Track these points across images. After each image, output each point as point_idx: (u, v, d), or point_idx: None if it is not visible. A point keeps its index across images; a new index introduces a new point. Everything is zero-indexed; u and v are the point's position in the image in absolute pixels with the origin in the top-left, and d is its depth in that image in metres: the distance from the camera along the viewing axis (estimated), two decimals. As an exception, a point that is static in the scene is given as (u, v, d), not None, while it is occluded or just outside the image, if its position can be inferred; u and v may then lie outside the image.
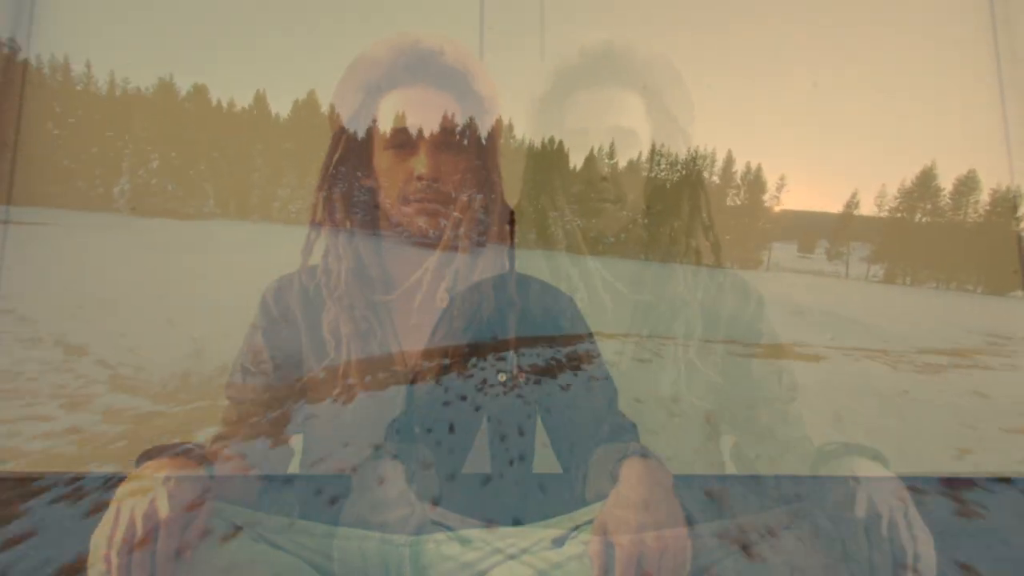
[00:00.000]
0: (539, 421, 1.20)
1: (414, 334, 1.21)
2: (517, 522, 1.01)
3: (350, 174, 1.27)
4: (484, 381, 1.13)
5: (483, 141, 1.26)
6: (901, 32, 1.59)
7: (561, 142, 1.33)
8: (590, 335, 1.20)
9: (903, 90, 1.62)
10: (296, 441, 1.27)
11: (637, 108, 1.31)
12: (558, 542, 0.97)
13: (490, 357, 1.14)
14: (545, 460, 1.16)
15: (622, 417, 1.17)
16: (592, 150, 1.30)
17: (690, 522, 0.94)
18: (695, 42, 1.54)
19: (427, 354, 1.17)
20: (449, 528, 1.00)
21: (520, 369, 1.14)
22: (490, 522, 1.02)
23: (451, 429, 1.13)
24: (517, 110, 1.39)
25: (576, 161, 1.31)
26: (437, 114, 1.23)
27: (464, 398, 1.13)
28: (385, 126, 1.24)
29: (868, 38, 1.59)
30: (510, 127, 1.35)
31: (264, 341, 1.24)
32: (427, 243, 1.23)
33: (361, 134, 1.27)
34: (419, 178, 1.20)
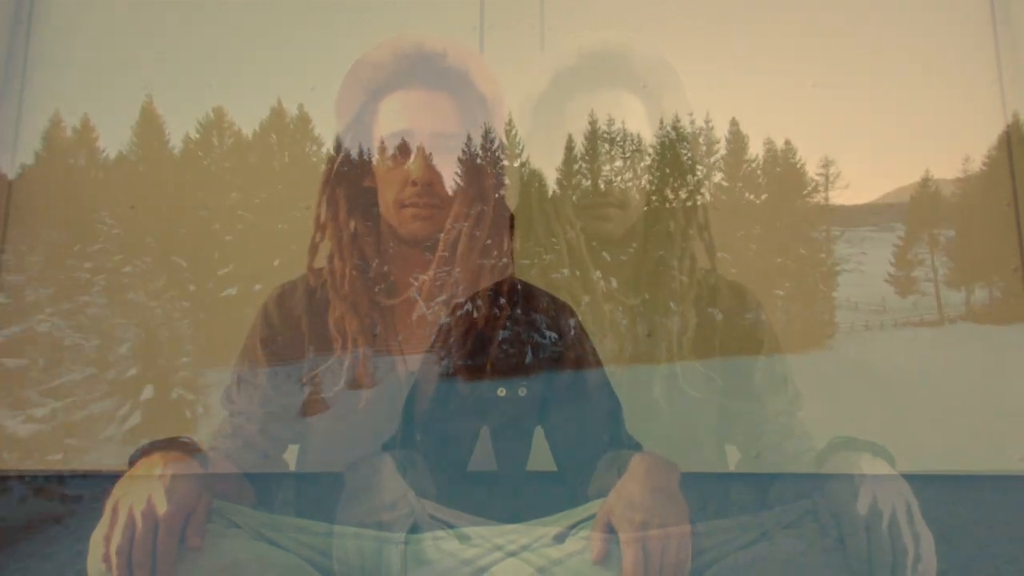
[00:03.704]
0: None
1: (415, 341, 1.21)
2: (517, 519, 1.01)
3: (352, 175, 1.27)
4: (484, 390, 1.13)
5: (485, 144, 1.26)
6: (899, 31, 1.59)
7: (559, 144, 1.32)
8: (591, 345, 1.20)
9: (900, 89, 1.62)
10: (291, 453, 1.27)
11: (637, 109, 1.30)
12: (559, 538, 0.96)
13: (490, 366, 1.13)
14: (545, 458, 1.16)
15: (628, 439, 1.16)
16: (592, 152, 1.29)
17: (692, 520, 0.94)
18: (695, 40, 1.54)
19: (427, 361, 1.17)
20: (449, 525, 1.00)
21: (520, 379, 1.14)
22: (490, 519, 1.01)
23: (450, 436, 1.13)
24: (516, 111, 1.38)
25: (575, 163, 1.30)
26: (435, 117, 1.23)
27: (464, 406, 1.13)
28: (384, 129, 1.24)
29: (866, 37, 1.59)
30: (511, 127, 1.34)
31: (263, 350, 1.23)
32: (428, 249, 1.23)
33: (362, 136, 1.27)
34: (413, 183, 1.20)
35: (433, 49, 1.24)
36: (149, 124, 1.97)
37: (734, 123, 1.92)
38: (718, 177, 2.06)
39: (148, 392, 2.09)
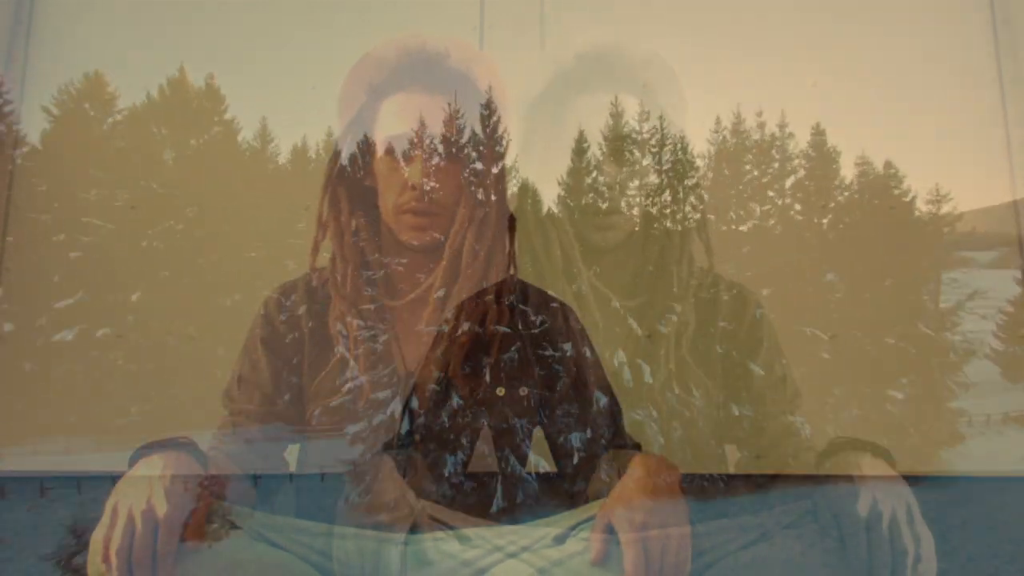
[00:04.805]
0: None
1: (416, 342, 1.21)
2: (517, 520, 1.01)
3: (354, 174, 1.26)
4: (484, 390, 1.13)
5: (486, 146, 1.25)
6: (899, 31, 1.59)
7: (558, 146, 1.31)
8: (591, 345, 1.20)
9: (899, 89, 1.62)
10: (290, 452, 1.26)
11: (635, 110, 1.30)
12: (559, 539, 0.97)
13: (490, 366, 1.13)
14: (545, 458, 1.16)
15: (628, 439, 1.16)
16: (592, 155, 1.28)
17: (692, 520, 0.94)
18: (695, 40, 1.54)
19: (428, 362, 1.17)
20: (448, 526, 1.00)
21: (521, 380, 1.14)
22: (489, 520, 1.01)
23: (450, 436, 1.13)
24: (516, 112, 1.38)
25: (575, 166, 1.30)
26: (435, 121, 1.22)
27: (464, 406, 1.13)
28: (384, 131, 1.24)
29: (866, 37, 1.59)
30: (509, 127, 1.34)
31: (263, 350, 1.23)
32: (428, 251, 1.23)
33: (363, 135, 1.26)
34: (412, 187, 1.19)
35: (436, 50, 1.24)
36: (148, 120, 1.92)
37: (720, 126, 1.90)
38: (796, 208, 1.85)
39: None
